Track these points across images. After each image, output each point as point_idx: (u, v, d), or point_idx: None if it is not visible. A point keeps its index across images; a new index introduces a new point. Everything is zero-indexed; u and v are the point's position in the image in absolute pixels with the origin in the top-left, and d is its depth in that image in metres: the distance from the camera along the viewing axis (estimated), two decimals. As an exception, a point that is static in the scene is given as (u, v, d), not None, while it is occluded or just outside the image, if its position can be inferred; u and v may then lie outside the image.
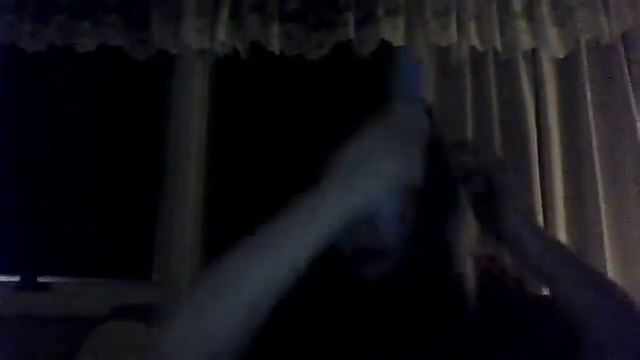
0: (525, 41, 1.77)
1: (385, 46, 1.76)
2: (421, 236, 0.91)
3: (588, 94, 1.75)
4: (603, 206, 1.69)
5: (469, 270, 0.96)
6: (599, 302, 0.91)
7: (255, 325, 0.77)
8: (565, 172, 1.74)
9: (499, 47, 1.76)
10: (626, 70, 1.77)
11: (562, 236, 1.69)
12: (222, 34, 1.76)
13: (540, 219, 1.69)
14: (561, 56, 1.79)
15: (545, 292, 1.03)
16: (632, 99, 1.76)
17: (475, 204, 0.95)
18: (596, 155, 1.72)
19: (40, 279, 1.81)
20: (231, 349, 0.76)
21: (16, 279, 1.80)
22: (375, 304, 0.91)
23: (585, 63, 1.77)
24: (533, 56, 1.80)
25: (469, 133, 1.74)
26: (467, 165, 0.92)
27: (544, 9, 1.77)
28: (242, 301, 0.76)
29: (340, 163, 0.79)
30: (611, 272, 1.66)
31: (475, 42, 1.76)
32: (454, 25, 1.75)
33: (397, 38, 1.75)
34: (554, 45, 1.77)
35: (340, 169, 0.79)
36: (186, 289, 0.88)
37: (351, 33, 1.75)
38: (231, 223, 1.77)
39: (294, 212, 0.78)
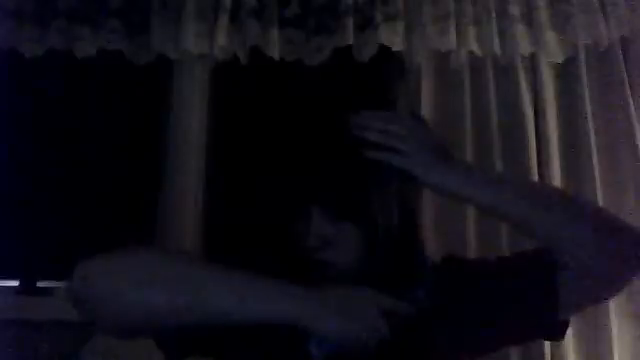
0: (524, 46, 1.78)
1: (384, 51, 1.77)
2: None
3: (587, 98, 1.76)
4: (602, 209, 1.70)
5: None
6: (567, 225, 0.91)
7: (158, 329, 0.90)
8: (564, 176, 1.75)
9: (498, 52, 1.77)
10: (625, 74, 1.78)
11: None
12: (222, 39, 1.76)
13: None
14: (560, 61, 1.79)
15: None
16: (631, 103, 1.77)
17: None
18: (595, 159, 1.73)
19: (40, 284, 1.80)
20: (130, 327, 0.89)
21: (15, 284, 1.80)
22: None
23: (584, 67, 1.78)
24: (532, 61, 1.81)
25: (468, 138, 1.75)
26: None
27: (543, 14, 1.78)
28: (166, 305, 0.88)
29: (322, 293, 0.89)
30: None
31: (474, 47, 1.77)
32: (453, 30, 1.76)
33: (396, 43, 1.76)
34: (553, 50, 1.78)
35: (317, 297, 0.89)
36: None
37: (350, 38, 1.75)
38: (231, 227, 1.77)
39: (267, 286, 0.89)
